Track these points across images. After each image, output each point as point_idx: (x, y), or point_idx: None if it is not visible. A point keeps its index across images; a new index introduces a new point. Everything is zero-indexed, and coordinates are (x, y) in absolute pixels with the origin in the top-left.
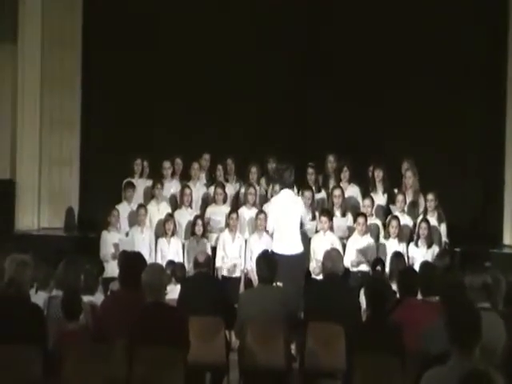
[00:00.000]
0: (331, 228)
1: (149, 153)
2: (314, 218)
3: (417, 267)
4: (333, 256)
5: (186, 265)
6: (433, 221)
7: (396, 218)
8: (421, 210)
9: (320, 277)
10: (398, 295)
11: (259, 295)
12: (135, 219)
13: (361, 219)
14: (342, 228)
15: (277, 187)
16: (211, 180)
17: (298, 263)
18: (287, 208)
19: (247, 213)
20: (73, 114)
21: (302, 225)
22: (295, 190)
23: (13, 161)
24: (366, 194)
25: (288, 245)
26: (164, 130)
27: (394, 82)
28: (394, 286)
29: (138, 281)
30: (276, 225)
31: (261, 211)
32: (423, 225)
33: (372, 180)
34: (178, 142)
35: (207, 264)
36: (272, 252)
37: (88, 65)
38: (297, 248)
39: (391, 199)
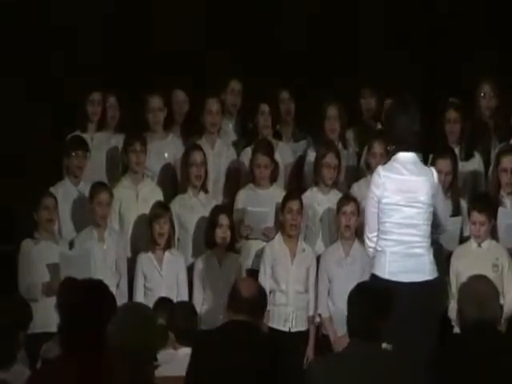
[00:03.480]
0: (493, 232)
1: (117, 80)
2: (457, 211)
3: None
4: (478, 290)
5: (197, 306)
6: None
7: None
8: None
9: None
10: None
11: (349, 368)
12: (89, 214)
13: None
14: None
15: (377, 147)
16: (246, 135)
17: (429, 301)
18: (408, 188)
19: (321, 200)
20: None
21: (436, 224)
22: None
23: None
24: None
25: (408, 263)
26: (148, 34)
27: None
28: None
29: (98, 340)
30: (385, 219)
31: (348, 198)
32: None
33: None
34: (178, 56)
35: (260, 306)
36: (375, 278)
37: None
38: (426, 270)
39: None
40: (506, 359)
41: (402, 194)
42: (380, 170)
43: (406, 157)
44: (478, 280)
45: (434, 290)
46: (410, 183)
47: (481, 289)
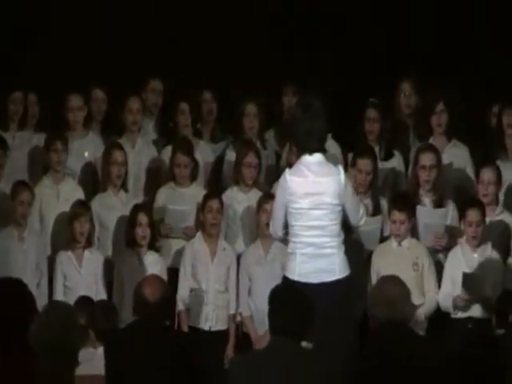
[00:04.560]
0: (413, 230)
1: (38, 77)
2: (377, 210)
3: None
4: (388, 291)
5: (117, 305)
6: None
7: None
8: None
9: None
10: None
11: (270, 365)
12: (8, 213)
13: (473, 213)
14: (437, 230)
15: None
16: (166, 134)
17: (340, 300)
18: (313, 190)
19: (241, 199)
20: None
21: (347, 223)
22: (338, 153)
23: None
24: (486, 160)
25: (319, 264)
26: (71, 33)
27: None
28: None
29: (18, 339)
30: (293, 223)
31: (269, 196)
32: None
33: (499, 131)
34: (98, 54)
35: (163, 306)
36: (286, 279)
37: None
38: (336, 270)
39: None
40: (419, 358)
41: (308, 197)
42: (287, 173)
43: (311, 158)
44: (388, 281)
45: (345, 288)
46: (315, 185)
47: (391, 290)
